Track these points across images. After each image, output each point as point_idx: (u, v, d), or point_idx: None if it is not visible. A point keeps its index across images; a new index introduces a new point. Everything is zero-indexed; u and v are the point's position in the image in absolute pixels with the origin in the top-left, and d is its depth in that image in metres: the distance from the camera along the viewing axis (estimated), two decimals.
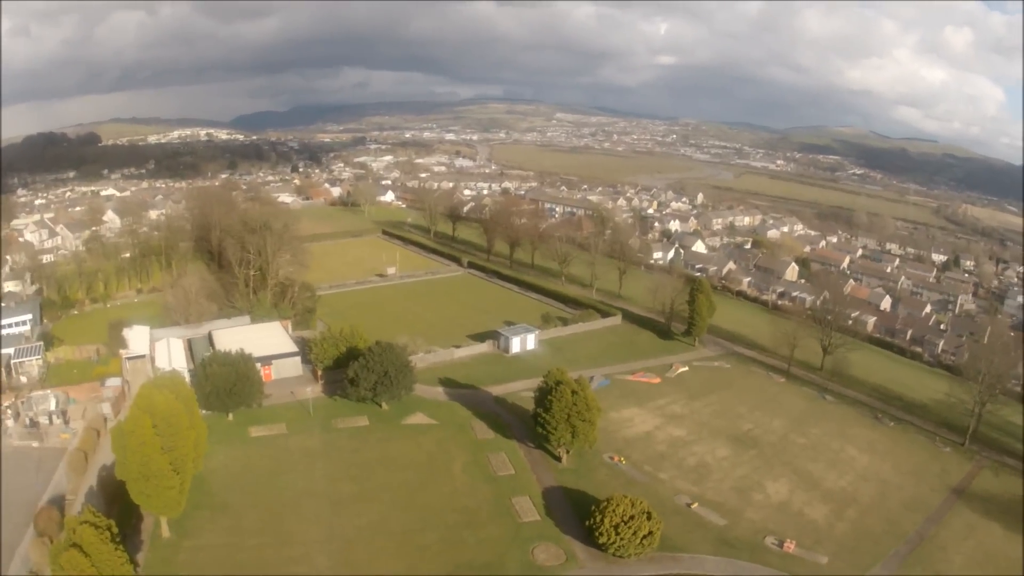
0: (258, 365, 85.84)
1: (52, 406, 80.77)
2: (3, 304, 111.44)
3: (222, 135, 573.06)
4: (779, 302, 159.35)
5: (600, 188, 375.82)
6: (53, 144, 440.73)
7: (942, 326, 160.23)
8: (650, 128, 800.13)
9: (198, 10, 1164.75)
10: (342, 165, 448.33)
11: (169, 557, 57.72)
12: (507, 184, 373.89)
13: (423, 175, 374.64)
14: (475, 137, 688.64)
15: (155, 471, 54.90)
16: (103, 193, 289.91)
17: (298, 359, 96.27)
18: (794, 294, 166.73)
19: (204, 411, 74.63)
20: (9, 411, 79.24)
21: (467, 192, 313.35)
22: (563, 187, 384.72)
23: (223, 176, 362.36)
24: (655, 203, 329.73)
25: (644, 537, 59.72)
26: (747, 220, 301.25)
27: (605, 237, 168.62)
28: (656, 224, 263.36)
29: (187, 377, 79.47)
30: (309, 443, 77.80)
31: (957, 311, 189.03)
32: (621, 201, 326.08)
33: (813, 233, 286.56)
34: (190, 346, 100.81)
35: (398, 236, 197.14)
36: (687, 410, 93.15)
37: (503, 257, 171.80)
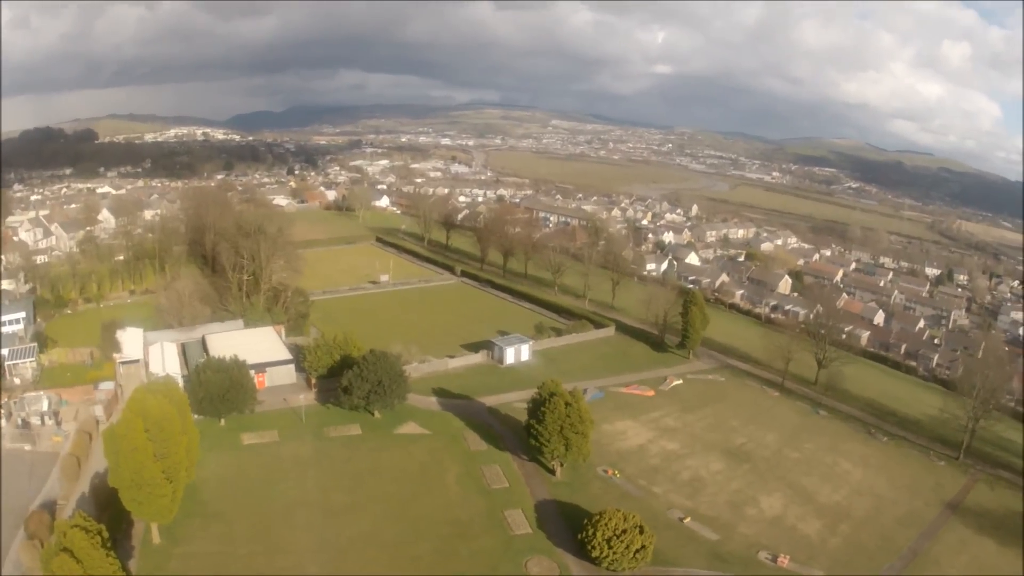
0: (252, 372, 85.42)
1: (44, 407, 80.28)
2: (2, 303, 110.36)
3: (218, 134, 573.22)
4: (772, 315, 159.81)
5: (595, 197, 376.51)
6: (50, 140, 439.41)
7: (936, 340, 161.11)
8: (646, 137, 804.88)
9: (197, 7, 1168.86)
10: (338, 168, 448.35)
11: (160, 564, 57.31)
12: (502, 191, 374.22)
13: (419, 180, 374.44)
14: (471, 142, 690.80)
15: (148, 479, 54.65)
16: (99, 191, 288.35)
17: (292, 367, 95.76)
18: (787, 307, 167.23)
19: (196, 416, 74.12)
20: (2, 411, 78.66)
21: (462, 199, 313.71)
22: (558, 195, 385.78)
23: (219, 177, 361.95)
24: (649, 214, 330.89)
25: (637, 551, 59.64)
26: (741, 232, 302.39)
27: (599, 248, 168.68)
28: (650, 235, 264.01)
29: (180, 383, 79.07)
30: (301, 451, 77.49)
31: (951, 326, 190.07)
32: (616, 211, 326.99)
33: (807, 246, 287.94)
34: (184, 350, 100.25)
35: (392, 244, 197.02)
36: (681, 423, 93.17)
37: (496, 266, 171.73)
